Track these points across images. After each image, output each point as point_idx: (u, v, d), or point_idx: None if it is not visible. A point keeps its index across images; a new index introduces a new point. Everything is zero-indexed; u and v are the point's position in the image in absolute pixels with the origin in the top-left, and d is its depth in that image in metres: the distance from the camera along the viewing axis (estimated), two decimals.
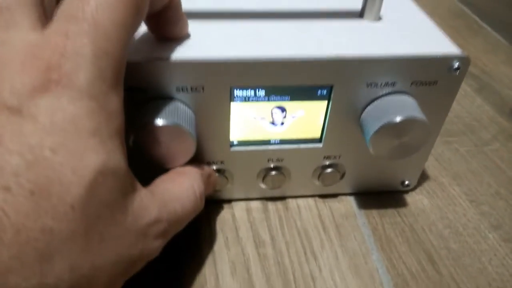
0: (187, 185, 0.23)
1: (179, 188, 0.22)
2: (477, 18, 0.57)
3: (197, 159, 0.26)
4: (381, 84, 0.24)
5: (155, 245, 0.19)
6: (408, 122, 0.23)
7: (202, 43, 0.23)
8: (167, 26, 0.22)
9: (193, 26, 0.23)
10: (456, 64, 0.24)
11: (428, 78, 0.24)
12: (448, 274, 0.26)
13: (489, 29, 0.55)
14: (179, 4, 0.22)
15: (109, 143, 0.17)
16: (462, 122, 0.39)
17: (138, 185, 0.19)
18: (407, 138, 0.24)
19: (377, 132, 0.24)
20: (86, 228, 0.15)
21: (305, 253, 0.27)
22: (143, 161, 0.22)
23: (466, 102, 0.42)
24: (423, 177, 0.33)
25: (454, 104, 0.41)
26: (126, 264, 0.18)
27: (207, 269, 0.26)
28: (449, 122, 0.39)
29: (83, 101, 0.16)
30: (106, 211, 0.16)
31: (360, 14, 0.26)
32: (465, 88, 0.44)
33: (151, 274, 0.25)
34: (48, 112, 0.15)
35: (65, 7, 0.17)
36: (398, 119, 0.23)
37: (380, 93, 0.25)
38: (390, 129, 0.24)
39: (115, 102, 0.17)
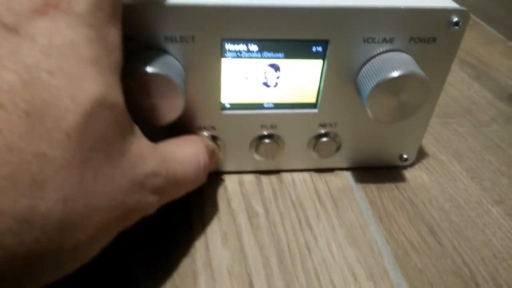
0: (191, 152, 0.22)
1: (183, 153, 0.22)
2: (472, 15, 0.57)
3: (187, 123, 0.25)
4: (379, 40, 0.23)
5: (151, 200, 0.19)
6: (406, 78, 0.22)
7: None
8: None
9: None
10: (456, 18, 0.23)
11: (427, 34, 0.23)
12: (451, 245, 0.25)
13: (484, 24, 0.55)
14: None
15: (108, 75, 0.16)
16: (460, 105, 0.38)
17: (138, 132, 0.18)
18: (406, 97, 0.23)
19: (374, 90, 0.23)
20: (81, 160, 0.15)
21: (300, 224, 0.26)
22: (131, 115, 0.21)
23: (463, 87, 0.41)
24: (422, 155, 0.32)
25: (451, 89, 0.40)
26: (121, 211, 0.17)
27: (197, 240, 0.24)
28: (446, 105, 0.38)
29: (82, 28, 0.15)
30: (102, 146, 0.16)
31: None
32: (462, 75, 0.43)
33: (140, 244, 0.23)
34: (46, 34, 0.15)
35: None
36: (395, 74, 0.22)
37: (378, 51, 0.24)
38: (387, 86, 0.23)
39: (113, 34, 0.17)
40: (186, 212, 0.26)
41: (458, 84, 0.41)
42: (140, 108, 0.21)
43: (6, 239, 0.13)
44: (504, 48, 0.49)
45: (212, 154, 0.24)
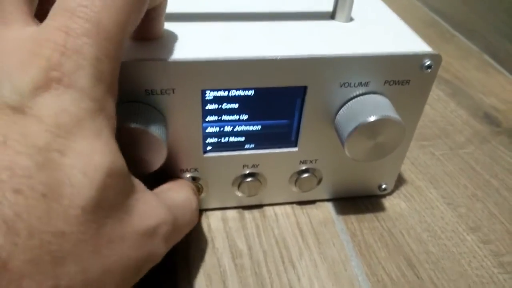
0: (184, 196, 0.23)
1: (179, 198, 0.23)
2: (449, 27, 0.58)
3: (170, 166, 0.25)
4: (355, 84, 0.24)
5: (161, 248, 0.19)
6: (382, 122, 0.23)
7: (173, 44, 0.22)
8: (146, 26, 0.21)
9: (165, 27, 0.23)
10: (428, 62, 0.23)
11: (401, 77, 0.24)
12: (428, 278, 0.26)
13: (460, 37, 0.56)
14: (165, 6, 0.21)
15: (111, 144, 0.16)
16: (436, 126, 0.39)
17: (142, 187, 0.19)
18: (382, 139, 0.24)
19: (352, 133, 0.23)
20: (96, 229, 0.15)
21: (283, 262, 0.26)
22: None
23: (439, 106, 0.42)
24: (400, 181, 0.33)
25: (428, 109, 0.41)
26: (134, 267, 0.17)
27: (182, 283, 0.25)
28: (424, 126, 0.39)
29: (85, 102, 0.15)
30: (114, 212, 0.16)
31: (331, 16, 0.26)
32: (438, 93, 0.44)
33: None
34: (51, 112, 0.15)
35: (66, 3, 0.16)
36: (372, 119, 0.23)
37: (354, 94, 0.24)
38: (364, 129, 0.23)
39: (111, 103, 0.17)
40: (170, 254, 0.26)
41: (435, 102, 0.43)
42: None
43: None
44: (479, 62, 0.51)
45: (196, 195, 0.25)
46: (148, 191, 0.19)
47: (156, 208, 0.19)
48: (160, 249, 0.19)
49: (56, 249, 0.14)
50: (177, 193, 0.23)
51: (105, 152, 0.16)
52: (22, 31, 0.16)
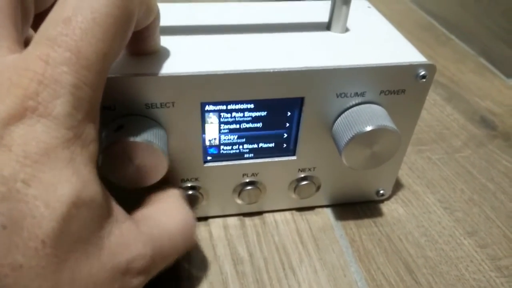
0: (180, 220, 0.22)
1: (172, 223, 0.21)
2: (445, 30, 0.59)
3: (171, 176, 0.26)
4: (351, 94, 0.24)
5: (136, 283, 0.18)
6: (378, 132, 0.24)
7: (171, 58, 0.23)
8: (141, 43, 0.22)
9: (162, 41, 0.23)
10: (422, 72, 0.24)
11: (396, 87, 0.24)
12: (426, 283, 0.26)
13: (456, 40, 0.56)
14: (158, 23, 0.21)
15: (83, 172, 0.16)
16: (433, 130, 0.40)
17: (120, 216, 0.18)
18: (379, 147, 0.24)
19: (348, 142, 0.24)
20: (57, 263, 0.15)
21: (284, 269, 0.27)
22: (113, 182, 0.22)
23: (436, 111, 0.43)
24: (398, 186, 0.33)
25: (425, 113, 0.42)
26: None
27: None
28: (421, 131, 0.39)
29: (58, 131, 0.15)
30: (79, 245, 0.15)
31: (327, 27, 0.27)
32: (435, 97, 0.45)
33: None
34: (21, 141, 0.14)
35: (48, 32, 0.16)
36: (368, 128, 0.23)
37: (350, 104, 0.25)
38: (361, 139, 0.24)
39: (90, 129, 0.17)
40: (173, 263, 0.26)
41: (431, 107, 0.43)
42: (123, 175, 0.22)
43: None
44: (475, 65, 0.51)
45: None
46: (128, 221, 0.18)
47: (133, 240, 0.18)
48: (134, 283, 0.18)
49: (12, 283, 0.14)
50: (170, 216, 0.22)
51: (73, 182, 0.15)
52: (5, 58, 0.16)
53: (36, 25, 0.19)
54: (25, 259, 0.14)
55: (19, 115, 0.15)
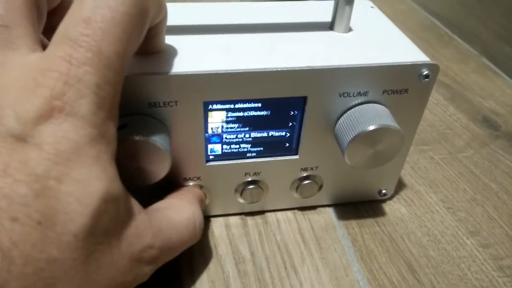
0: (187, 215, 0.23)
1: (179, 217, 0.22)
2: (447, 30, 0.58)
3: (174, 175, 0.26)
4: (354, 94, 0.24)
5: (146, 271, 0.19)
6: (381, 131, 0.24)
7: (174, 57, 0.23)
8: (147, 42, 0.22)
9: (165, 41, 0.23)
10: (425, 72, 0.24)
11: (399, 86, 0.24)
12: (429, 283, 0.26)
13: (459, 40, 0.56)
14: (165, 22, 0.22)
15: (109, 169, 0.17)
16: (436, 130, 0.40)
17: (136, 209, 0.19)
18: (381, 147, 0.24)
19: (351, 142, 0.24)
20: (86, 255, 0.16)
21: (286, 268, 0.27)
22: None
23: (439, 111, 0.43)
24: (400, 186, 0.33)
25: (427, 113, 0.42)
26: None
27: None
28: (423, 131, 0.39)
29: (85, 129, 0.16)
30: (105, 237, 0.16)
31: (330, 26, 0.27)
32: (438, 97, 0.44)
33: None
34: (52, 140, 0.15)
35: (68, 32, 0.16)
36: (371, 128, 0.23)
37: (353, 103, 0.25)
38: (364, 138, 0.24)
39: (111, 128, 0.17)
40: (174, 260, 0.26)
41: (434, 107, 0.43)
42: (127, 171, 0.22)
43: None
44: (478, 65, 0.51)
45: (201, 203, 0.26)
46: (142, 213, 0.19)
47: (145, 232, 0.19)
48: (146, 271, 0.19)
49: (48, 276, 0.14)
50: (178, 211, 0.23)
51: (102, 179, 0.16)
52: (27, 57, 0.16)
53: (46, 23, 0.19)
54: (59, 253, 0.15)
55: (47, 115, 0.15)
